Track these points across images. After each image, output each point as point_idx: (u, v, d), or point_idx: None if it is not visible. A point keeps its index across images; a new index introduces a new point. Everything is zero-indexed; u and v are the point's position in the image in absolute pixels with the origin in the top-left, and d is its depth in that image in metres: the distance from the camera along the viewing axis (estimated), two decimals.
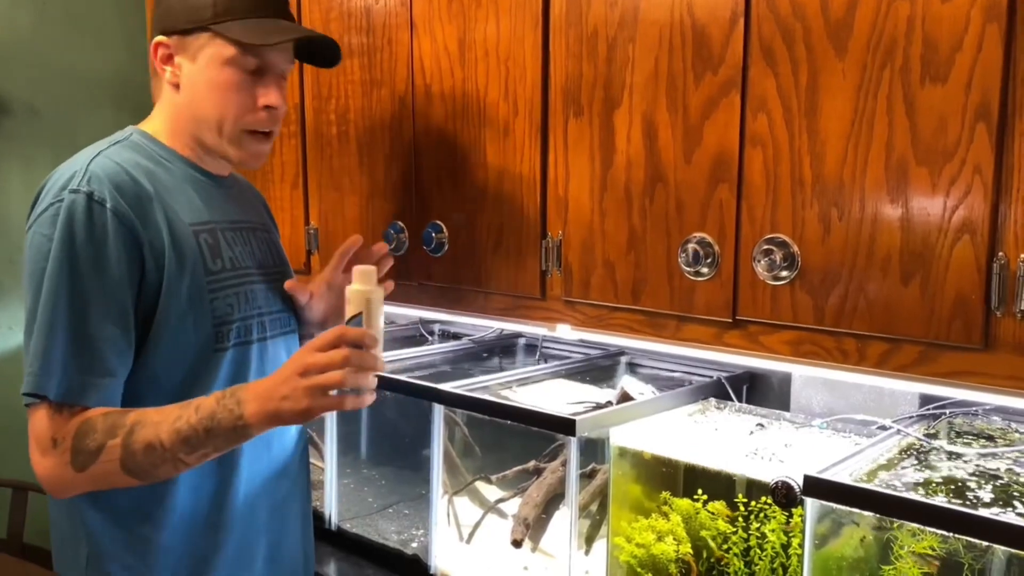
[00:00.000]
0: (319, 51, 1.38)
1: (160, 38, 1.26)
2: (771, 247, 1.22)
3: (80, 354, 1.12)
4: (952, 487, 1.15)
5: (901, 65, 1.09)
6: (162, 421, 1.10)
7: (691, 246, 1.30)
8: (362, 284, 1.12)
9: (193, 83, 1.26)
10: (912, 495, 1.08)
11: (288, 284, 1.36)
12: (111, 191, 1.15)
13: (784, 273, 1.21)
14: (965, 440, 1.34)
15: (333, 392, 1.06)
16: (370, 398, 1.09)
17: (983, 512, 1.02)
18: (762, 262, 1.22)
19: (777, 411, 1.55)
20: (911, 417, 1.41)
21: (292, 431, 1.40)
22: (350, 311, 1.12)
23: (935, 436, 1.35)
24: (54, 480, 1.13)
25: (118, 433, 1.10)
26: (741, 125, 1.24)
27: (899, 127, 1.10)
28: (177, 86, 1.27)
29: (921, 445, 1.30)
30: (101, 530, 1.21)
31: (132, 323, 1.16)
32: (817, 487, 1.11)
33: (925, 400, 1.44)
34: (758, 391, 1.70)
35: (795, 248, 1.20)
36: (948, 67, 1.05)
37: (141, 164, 1.22)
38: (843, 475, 1.14)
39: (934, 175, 1.08)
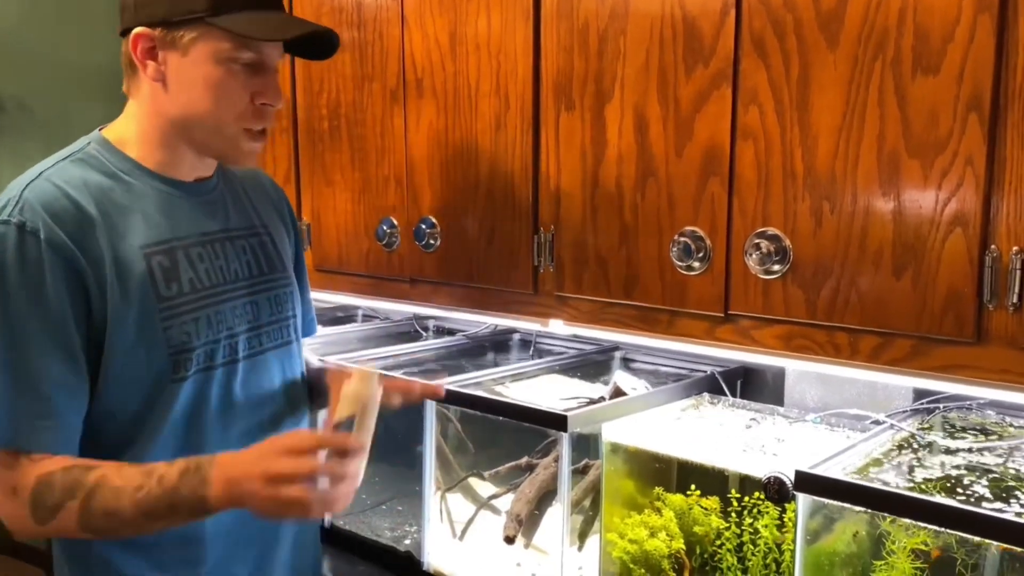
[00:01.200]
0: (312, 44, 1.27)
1: (141, 29, 1.14)
2: (763, 241, 1.21)
3: (23, 397, 1.05)
4: (946, 482, 1.14)
5: (893, 57, 1.08)
6: (124, 487, 1.04)
7: (683, 240, 1.29)
8: (361, 386, 1.05)
9: (184, 79, 1.15)
10: (904, 491, 1.07)
11: (330, 376, 1.30)
12: (45, 220, 1.06)
13: (776, 267, 1.21)
14: (959, 434, 1.33)
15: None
16: (341, 506, 1.02)
17: (976, 508, 1.01)
18: (754, 256, 1.22)
19: (771, 406, 1.54)
20: (905, 412, 1.40)
21: (299, 426, 1.34)
22: (342, 411, 1.05)
23: (929, 431, 1.34)
24: (15, 526, 1.08)
25: (77, 495, 1.04)
26: (732, 118, 1.23)
27: (891, 119, 1.09)
28: (162, 83, 1.15)
29: (915, 440, 1.30)
30: (73, 549, 1.17)
31: (81, 358, 1.09)
32: (809, 482, 1.10)
33: (919, 395, 1.43)
34: (752, 386, 1.70)
35: (787, 242, 1.20)
36: (940, 58, 1.05)
37: (92, 182, 1.12)
38: (835, 470, 1.13)
39: (926, 167, 1.07)
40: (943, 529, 1.02)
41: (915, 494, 1.05)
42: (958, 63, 1.03)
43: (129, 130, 1.20)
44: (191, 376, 1.15)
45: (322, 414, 1.47)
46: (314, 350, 1.85)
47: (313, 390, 1.40)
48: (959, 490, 1.11)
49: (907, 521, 1.07)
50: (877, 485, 1.06)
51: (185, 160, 1.21)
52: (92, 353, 1.10)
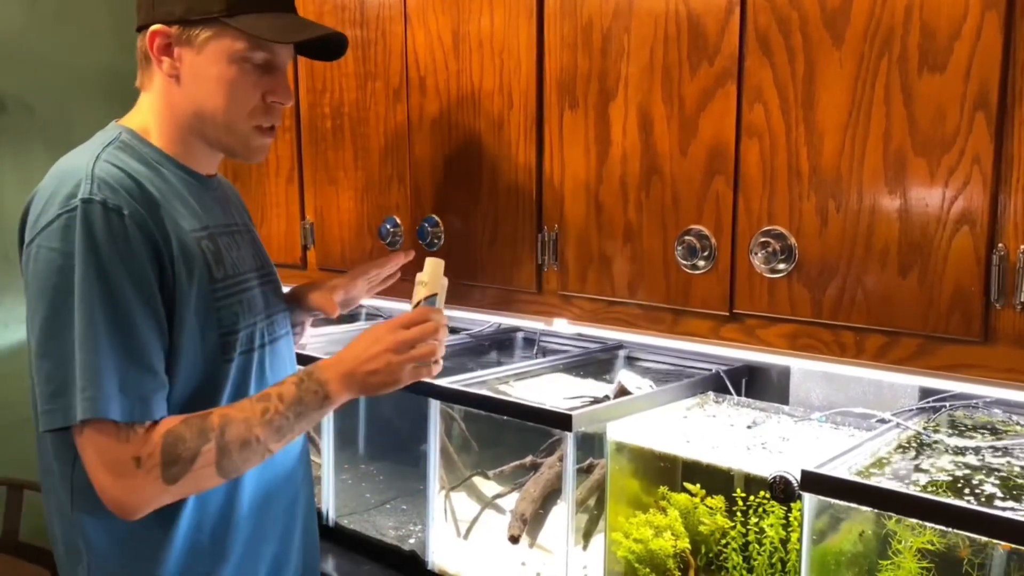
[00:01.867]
0: (321, 46, 1.31)
1: (159, 27, 1.17)
2: (768, 239, 1.20)
3: (134, 368, 1.07)
4: (954, 481, 1.14)
5: (899, 54, 1.07)
6: (250, 417, 1.12)
7: (688, 239, 1.28)
8: (434, 271, 1.25)
9: (198, 77, 1.18)
10: (911, 490, 1.07)
11: (318, 303, 1.43)
12: (125, 198, 1.09)
13: (781, 266, 1.20)
14: (966, 433, 1.33)
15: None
16: (439, 368, 1.22)
17: (985, 508, 1.01)
18: (759, 255, 1.21)
19: (776, 405, 1.54)
20: (911, 410, 1.40)
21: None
22: (420, 294, 1.24)
23: (935, 429, 1.33)
24: (136, 500, 1.08)
25: (210, 436, 1.09)
26: (737, 116, 1.23)
27: (897, 117, 1.08)
28: (176, 78, 1.19)
29: (921, 438, 1.29)
30: (100, 551, 1.16)
31: (166, 330, 1.12)
32: (815, 482, 1.09)
33: (925, 393, 1.43)
34: (757, 384, 1.69)
35: (792, 240, 1.19)
36: (946, 56, 1.04)
37: (139, 168, 1.15)
38: (842, 470, 1.12)
39: (932, 165, 1.06)
40: (951, 529, 1.02)
41: (923, 494, 1.04)
42: (965, 61, 1.03)
43: (149, 122, 1.23)
44: (236, 358, 1.21)
45: None
46: (319, 348, 1.86)
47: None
48: (967, 489, 1.11)
49: (913, 521, 1.07)
50: (884, 485, 1.06)
51: (199, 154, 1.25)
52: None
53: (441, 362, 1.22)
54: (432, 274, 1.25)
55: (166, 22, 1.17)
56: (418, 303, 1.24)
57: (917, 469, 1.18)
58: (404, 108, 1.69)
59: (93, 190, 1.08)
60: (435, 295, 1.25)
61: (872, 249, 1.12)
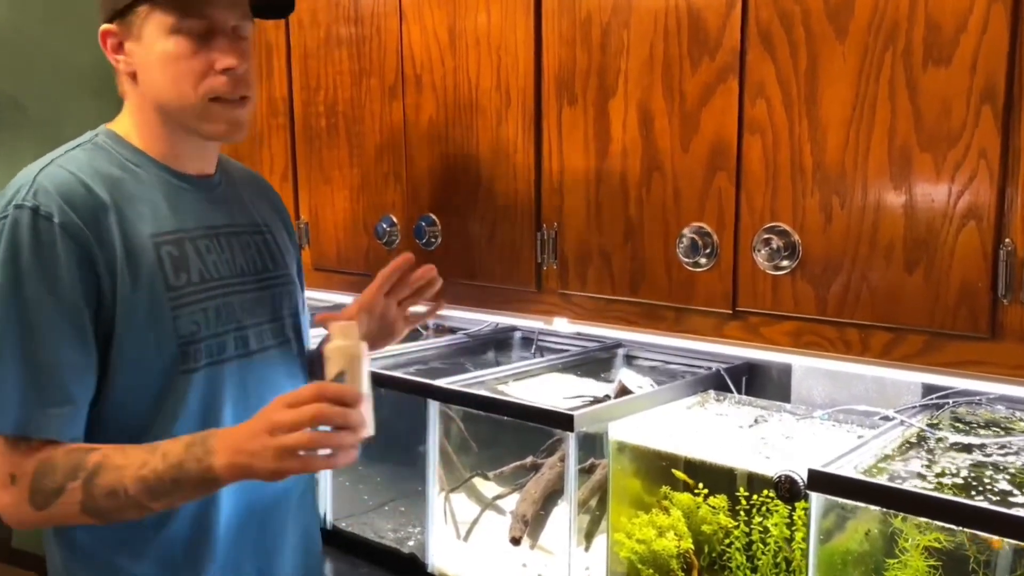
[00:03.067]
0: (271, 3, 1.23)
1: (105, 26, 1.15)
2: (771, 236, 1.19)
3: (35, 383, 1.05)
4: (963, 479, 1.12)
5: (903, 48, 1.06)
6: (126, 466, 1.02)
7: (689, 236, 1.27)
8: (344, 340, 1.03)
9: (146, 65, 1.14)
10: (920, 489, 1.06)
11: (319, 318, 1.25)
12: (59, 204, 1.06)
13: (785, 263, 1.19)
14: (971, 430, 1.32)
15: (302, 452, 0.97)
16: (346, 459, 1.00)
17: (998, 507, 1.00)
18: (762, 252, 1.20)
19: (778, 403, 1.52)
20: (914, 407, 1.38)
21: None
22: (332, 369, 1.02)
23: (939, 426, 1.32)
24: (10, 516, 1.06)
25: (79, 475, 1.03)
26: (739, 112, 1.21)
27: (902, 112, 1.07)
28: (134, 75, 1.16)
29: (926, 436, 1.28)
30: (74, 556, 1.15)
31: (92, 343, 1.08)
32: (822, 481, 1.08)
33: (928, 390, 1.42)
34: (757, 382, 1.68)
35: (796, 237, 1.18)
36: (952, 49, 1.03)
37: (101, 170, 1.13)
38: (848, 468, 1.11)
39: (938, 160, 1.05)
40: (964, 528, 1.01)
41: (933, 493, 1.03)
42: (971, 54, 1.02)
43: (130, 124, 1.20)
44: (202, 368, 1.15)
45: None
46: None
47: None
48: (976, 487, 1.09)
49: (920, 519, 1.06)
50: (893, 484, 1.05)
51: (184, 151, 1.21)
52: (102, 340, 1.10)
53: (345, 454, 0.99)
54: (340, 345, 1.03)
55: (108, 20, 1.15)
56: (332, 380, 1.03)
57: (924, 467, 1.17)
58: (400, 106, 1.67)
59: (27, 196, 1.07)
60: (343, 373, 1.01)
61: (877, 245, 1.11)
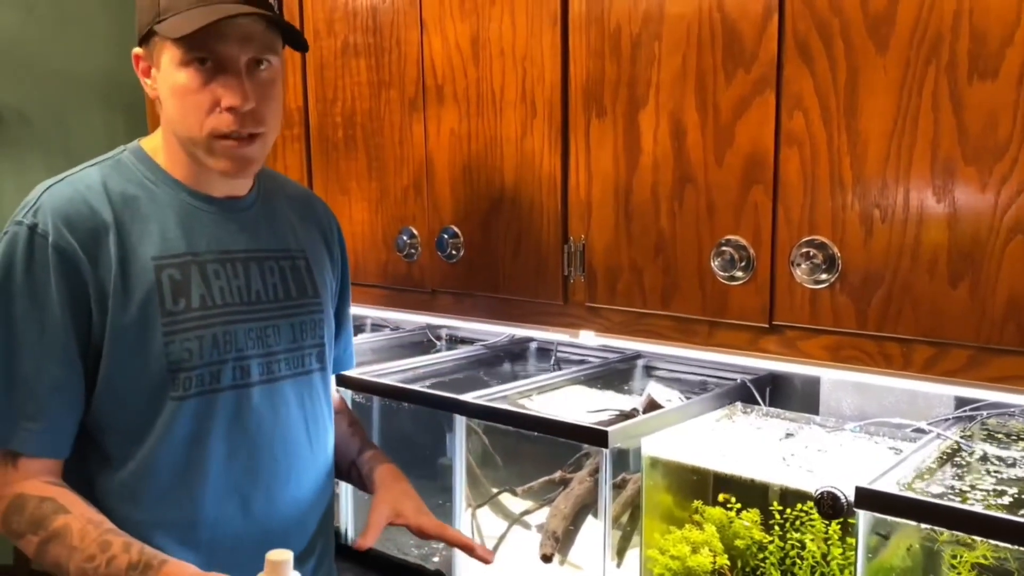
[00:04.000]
0: (289, 35, 1.18)
1: (135, 50, 1.17)
2: (810, 249, 1.18)
3: (15, 398, 1.07)
4: (1009, 494, 1.12)
5: (947, 61, 1.05)
6: (78, 549, 1.04)
7: (725, 249, 1.26)
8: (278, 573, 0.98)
9: (164, 92, 1.14)
10: (969, 507, 1.05)
11: (358, 544, 1.20)
12: (55, 224, 1.08)
13: (824, 276, 1.18)
14: (1007, 442, 1.31)
15: None
16: None
17: None
18: (801, 265, 1.19)
19: (807, 415, 1.51)
20: (948, 419, 1.38)
21: (308, 477, 1.27)
22: None
23: (973, 438, 1.32)
24: None
25: (39, 533, 1.06)
26: (776, 124, 1.20)
27: (945, 125, 1.06)
28: (159, 99, 1.17)
29: (963, 449, 1.27)
30: None
31: (78, 363, 1.09)
32: (870, 499, 1.07)
33: (960, 401, 1.41)
34: (782, 393, 1.67)
35: (835, 250, 1.17)
36: (998, 62, 1.02)
37: (114, 188, 1.13)
38: (893, 484, 1.10)
39: (983, 174, 1.05)
40: (1015, 546, 1.00)
41: (985, 511, 1.02)
42: (1018, 67, 1.01)
43: (159, 142, 1.20)
44: (192, 396, 1.13)
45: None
46: None
47: (352, 470, 1.38)
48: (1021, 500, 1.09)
49: (978, 539, 1.05)
50: (943, 502, 1.04)
51: (208, 175, 1.19)
52: (91, 360, 1.10)
53: None
54: None
55: (140, 44, 1.16)
56: None
57: (966, 482, 1.16)
58: (421, 117, 1.65)
59: (28, 213, 1.09)
60: None
61: (920, 259, 1.10)
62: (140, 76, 1.18)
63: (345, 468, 1.39)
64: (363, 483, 1.36)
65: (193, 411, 1.13)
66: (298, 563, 1.23)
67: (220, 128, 1.11)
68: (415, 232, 1.70)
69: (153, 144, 1.20)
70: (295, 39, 1.18)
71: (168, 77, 1.12)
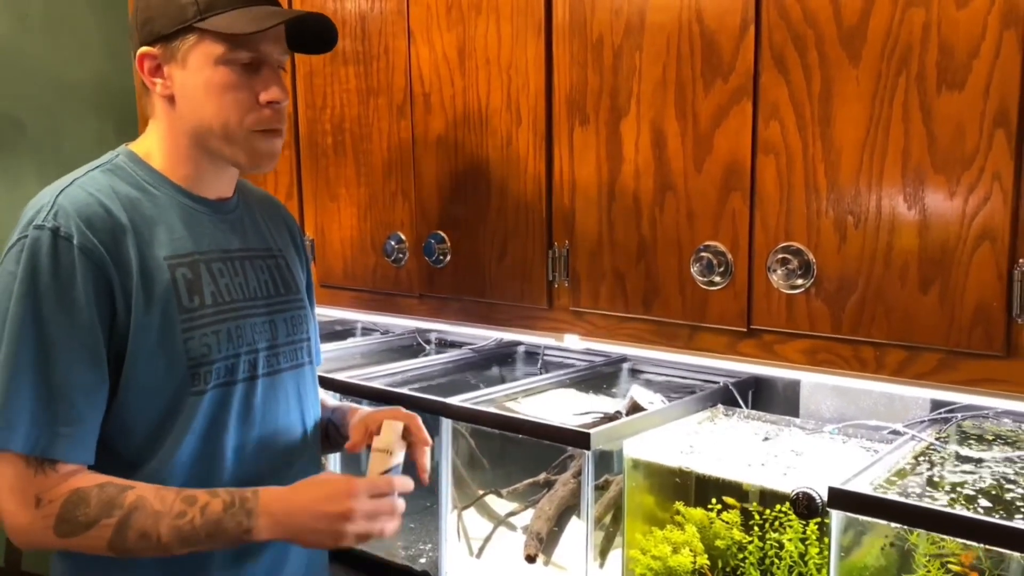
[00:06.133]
0: (311, 36, 1.25)
1: (145, 49, 1.16)
2: (786, 255, 1.21)
3: (48, 403, 1.06)
4: (975, 491, 1.14)
5: (917, 72, 1.08)
6: (162, 513, 1.06)
7: (704, 255, 1.28)
8: (395, 435, 1.19)
9: (189, 90, 1.16)
10: (939, 506, 1.08)
11: (348, 446, 1.28)
12: (78, 226, 1.08)
13: (799, 281, 1.21)
14: (981, 445, 1.34)
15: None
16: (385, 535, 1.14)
17: (1014, 523, 1.01)
18: (778, 271, 1.22)
19: (787, 417, 1.54)
20: (923, 421, 1.41)
21: (303, 462, 1.31)
22: (385, 463, 1.18)
23: (948, 440, 1.34)
24: (28, 537, 1.08)
25: (115, 513, 1.05)
26: (753, 133, 1.23)
27: (915, 134, 1.09)
28: (171, 98, 1.17)
29: (938, 450, 1.30)
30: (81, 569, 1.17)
31: (104, 365, 1.10)
32: (842, 499, 1.10)
33: (936, 404, 1.44)
34: (764, 396, 1.70)
35: (810, 256, 1.20)
36: (965, 73, 1.05)
37: (120, 191, 1.14)
38: (865, 485, 1.13)
39: (952, 182, 1.07)
40: (987, 546, 1.02)
41: (954, 510, 1.05)
42: (984, 79, 1.04)
43: (154, 145, 1.22)
44: (210, 390, 1.16)
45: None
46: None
47: (328, 428, 1.39)
48: (997, 503, 1.11)
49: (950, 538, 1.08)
50: (913, 501, 1.06)
51: (207, 176, 1.22)
52: (113, 361, 1.11)
53: (389, 532, 1.14)
54: (390, 441, 1.19)
55: (150, 43, 1.16)
56: (382, 473, 1.17)
57: (939, 482, 1.19)
58: (408, 124, 1.68)
59: (48, 217, 1.08)
60: (397, 465, 1.19)
61: (892, 265, 1.13)
62: (146, 75, 1.18)
63: (323, 435, 1.41)
64: (340, 434, 1.38)
65: (210, 405, 1.16)
66: (294, 552, 1.27)
67: (262, 123, 1.17)
68: (403, 237, 1.72)
69: (145, 148, 1.21)
70: (325, 42, 1.25)
71: (201, 74, 1.14)
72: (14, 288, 1.06)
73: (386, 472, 1.17)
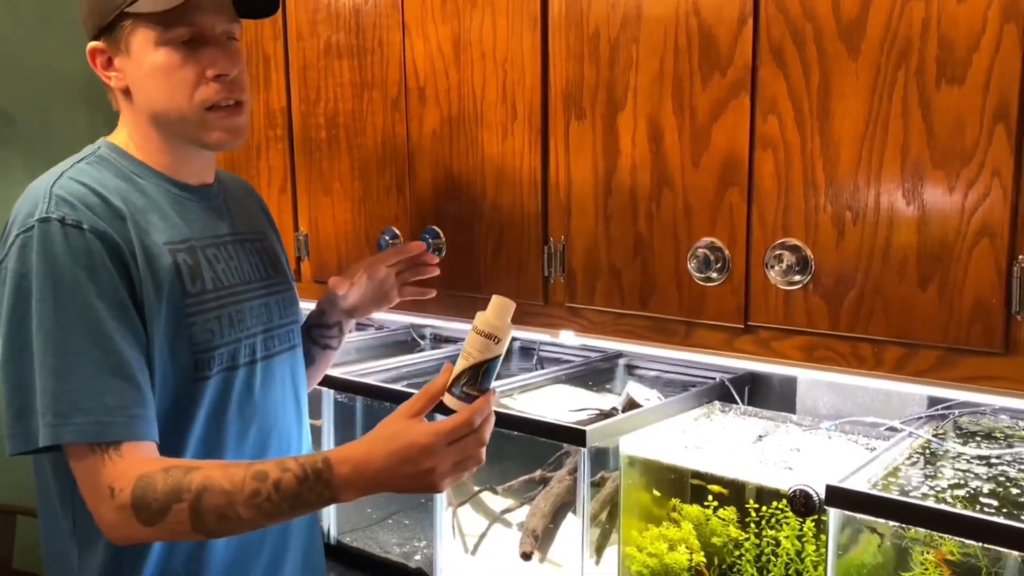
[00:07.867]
0: (256, 3, 1.21)
1: (92, 44, 1.15)
2: (784, 251, 1.20)
3: (113, 386, 1.03)
4: (972, 490, 1.14)
5: (916, 66, 1.07)
6: (234, 494, 1.01)
7: (701, 251, 1.27)
8: (501, 321, 1.02)
9: (139, 79, 1.14)
10: (936, 504, 1.07)
11: (332, 281, 1.34)
12: (85, 212, 1.06)
13: (797, 277, 1.20)
14: (979, 441, 1.33)
15: None
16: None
17: (1013, 521, 1.01)
18: (775, 267, 1.21)
19: (784, 414, 1.54)
20: (920, 418, 1.40)
21: (298, 444, 1.32)
22: (480, 354, 1.04)
23: (945, 437, 1.34)
24: (119, 532, 1.04)
25: (184, 497, 1.01)
26: (751, 127, 1.22)
27: (915, 129, 1.08)
28: (127, 90, 1.16)
29: (935, 447, 1.30)
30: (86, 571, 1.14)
31: (144, 339, 1.07)
32: (840, 497, 1.09)
33: (933, 400, 1.43)
34: (759, 392, 1.69)
35: (808, 252, 1.19)
36: (965, 68, 1.04)
37: (109, 182, 1.13)
38: (863, 483, 1.12)
39: (951, 178, 1.07)
40: (983, 544, 1.02)
41: (952, 508, 1.04)
42: (984, 73, 1.03)
43: (127, 137, 1.20)
44: (214, 376, 1.15)
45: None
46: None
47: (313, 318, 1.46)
48: (995, 500, 1.11)
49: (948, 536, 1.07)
50: (911, 500, 1.06)
51: (184, 162, 1.21)
52: None
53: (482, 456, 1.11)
54: (497, 325, 1.02)
55: (95, 37, 1.15)
56: (479, 365, 1.04)
57: (936, 479, 1.18)
58: (403, 118, 1.66)
59: (50, 208, 1.06)
60: (499, 357, 1.03)
61: (890, 261, 1.12)
62: (100, 71, 1.17)
63: (307, 337, 1.45)
64: (320, 309, 1.47)
65: (214, 390, 1.15)
66: (293, 551, 1.26)
67: (210, 98, 1.14)
68: (397, 232, 1.71)
69: (122, 140, 1.20)
70: (259, 8, 1.20)
71: (145, 59, 1.12)
72: (32, 286, 1.03)
73: (486, 364, 1.03)
